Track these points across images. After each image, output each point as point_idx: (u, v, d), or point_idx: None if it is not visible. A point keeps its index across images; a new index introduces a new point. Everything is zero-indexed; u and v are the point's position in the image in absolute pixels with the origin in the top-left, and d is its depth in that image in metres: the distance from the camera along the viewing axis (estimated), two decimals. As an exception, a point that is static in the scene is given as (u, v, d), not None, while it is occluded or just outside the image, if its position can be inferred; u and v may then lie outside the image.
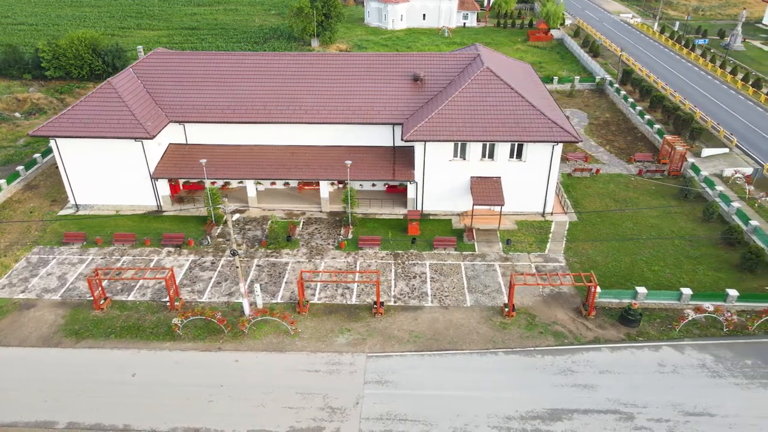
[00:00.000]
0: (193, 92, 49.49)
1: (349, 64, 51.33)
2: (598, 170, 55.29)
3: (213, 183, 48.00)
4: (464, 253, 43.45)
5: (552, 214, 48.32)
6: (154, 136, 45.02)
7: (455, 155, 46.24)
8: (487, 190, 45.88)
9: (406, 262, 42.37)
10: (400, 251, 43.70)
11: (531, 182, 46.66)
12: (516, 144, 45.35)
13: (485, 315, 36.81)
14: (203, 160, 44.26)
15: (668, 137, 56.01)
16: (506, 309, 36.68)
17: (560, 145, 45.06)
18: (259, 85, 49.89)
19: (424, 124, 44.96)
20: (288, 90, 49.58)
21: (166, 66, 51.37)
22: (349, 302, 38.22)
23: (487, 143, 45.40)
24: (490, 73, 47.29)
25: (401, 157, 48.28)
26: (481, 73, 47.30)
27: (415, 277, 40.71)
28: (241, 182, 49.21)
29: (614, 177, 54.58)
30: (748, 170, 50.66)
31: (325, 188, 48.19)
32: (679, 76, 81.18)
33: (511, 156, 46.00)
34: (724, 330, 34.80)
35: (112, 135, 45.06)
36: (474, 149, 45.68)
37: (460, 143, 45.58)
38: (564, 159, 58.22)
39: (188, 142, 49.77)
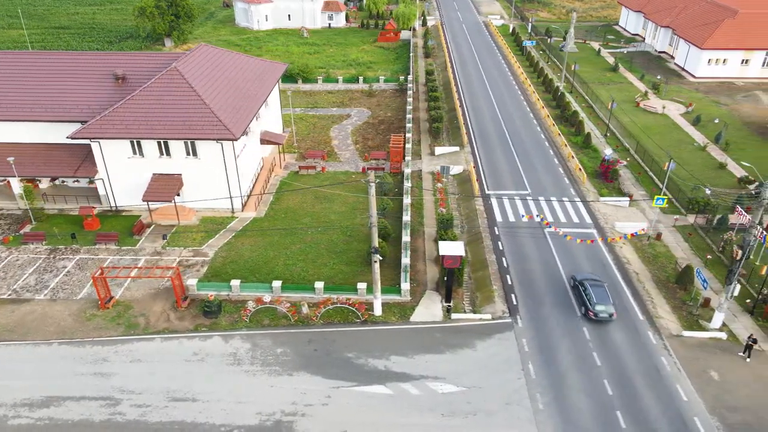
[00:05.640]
0: None
1: (56, 62, 52.07)
2: (323, 168, 56.47)
3: None
4: (123, 248, 44.41)
5: (243, 210, 49.47)
6: None
7: (134, 152, 47.20)
8: (162, 186, 46.85)
9: (58, 257, 43.27)
10: (62, 246, 44.59)
11: (211, 179, 47.68)
12: (190, 142, 46.45)
13: (84, 307, 37.76)
14: None
15: (392, 136, 57.27)
16: (107, 302, 37.71)
17: (230, 143, 46.26)
18: (-36, 84, 50.69)
19: (93, 123, 45.90)
20: (-10, 88, 50.40)
21: None
22: (-36, 296, 39.15)
23: (162, 141, 46.47)
24: (177, 73, 48.28)
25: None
26: (167, 73, 48.31)
27: (52, 271, 41.64)
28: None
29: (338, 174, 55.73)
30: (441, 168, 52.18)
31: (16, 185, 49.00)
32: (482, 75, 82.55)
33: (188, 154, 47.03)
34: (292, 320, 35.99)
35: None
36: (150, 147, 46.68)
37: (136, 141, 46.58)
38: (303, 157, 59.54)
39: None
